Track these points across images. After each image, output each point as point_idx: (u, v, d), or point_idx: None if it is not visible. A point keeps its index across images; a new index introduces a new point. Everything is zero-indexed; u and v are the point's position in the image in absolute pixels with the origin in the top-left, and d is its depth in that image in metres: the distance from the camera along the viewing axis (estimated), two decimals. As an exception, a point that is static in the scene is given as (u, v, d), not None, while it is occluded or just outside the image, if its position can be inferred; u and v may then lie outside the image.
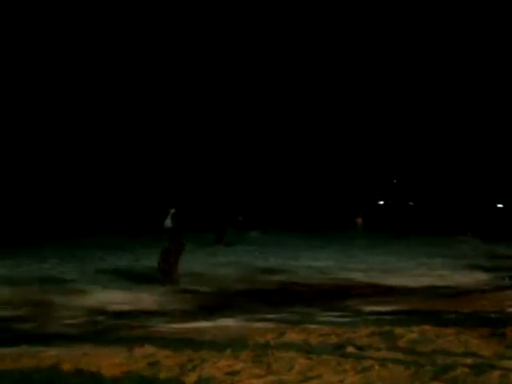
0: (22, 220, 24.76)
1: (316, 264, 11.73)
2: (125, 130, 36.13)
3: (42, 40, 34.10)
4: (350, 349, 4.36)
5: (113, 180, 35.21)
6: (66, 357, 4.20)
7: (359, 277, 9.72)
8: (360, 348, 4.37)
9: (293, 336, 4.87)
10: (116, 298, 7.37)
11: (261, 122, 40.45)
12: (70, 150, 34.84)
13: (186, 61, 36.96)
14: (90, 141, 35.29)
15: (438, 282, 9.13)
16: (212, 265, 11.46)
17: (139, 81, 36.00)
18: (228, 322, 5.89)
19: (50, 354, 4.33)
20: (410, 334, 4.57)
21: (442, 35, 37.59)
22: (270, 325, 5.71)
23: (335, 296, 7.84)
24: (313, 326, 5.44)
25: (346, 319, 5.91)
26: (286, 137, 41.58)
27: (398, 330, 4.66)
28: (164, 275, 8.36)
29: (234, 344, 4.61)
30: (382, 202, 51.07)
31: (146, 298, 7.38)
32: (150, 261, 9.60)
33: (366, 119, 42.59)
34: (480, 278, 10.01)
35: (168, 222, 8.39)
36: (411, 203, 47.33)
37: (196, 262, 11.85)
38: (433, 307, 6.29)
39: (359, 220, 29.24)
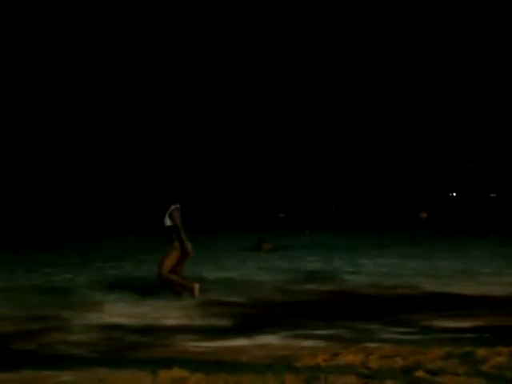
0: (18, 223, 25.79)
1: (371, 269, 11.69)
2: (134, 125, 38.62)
3: (42, 40, 37.00)
4: (420, 373, 4.31)
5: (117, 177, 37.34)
6: (79, 383, 4.29)
7: (427, 284, 9.59)
8: (433, 373, 4.31)
9: (349, 357, 4.85)
10: (134, 310, 7.49)
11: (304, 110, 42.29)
12: (71, 152, 37.43)
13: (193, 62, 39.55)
14: (93, 140, 37.92)
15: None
16: (247, 271, 11.58)
17: (145, 81, 38.72)
18: (269, 340, 5.91)
19: (59, 381, 4.43)
20: (496, 356, 4.49)
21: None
22: (320, 343, 5.70)
23: (399, 308, 7.75)
24: (373, 345, 5.41)
25: (414, 337, 5.85)
26: (331, 120, 42.82)
27: (481, 352, 4.58)
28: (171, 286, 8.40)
29: (277, 366, 4.62)
30: (454, 194, 50.13)
31: (169, 311, 7.48)
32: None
33: (434, 89, 42.57)
34: None
35: (167, 221, 8.40)
36: (493, 195, 46.21)
37: (229, 268, 12.01)
38: (524, 323, 6.17)
39: (423, 215, 28.91)
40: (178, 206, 8.46)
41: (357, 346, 5.40)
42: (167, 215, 8.40)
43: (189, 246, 8.38)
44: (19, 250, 16.61)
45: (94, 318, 7.09)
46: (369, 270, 11.71)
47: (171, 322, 6.91)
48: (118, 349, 5.62)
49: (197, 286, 8.34)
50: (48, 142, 37.18)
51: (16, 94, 36.41)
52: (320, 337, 5.98)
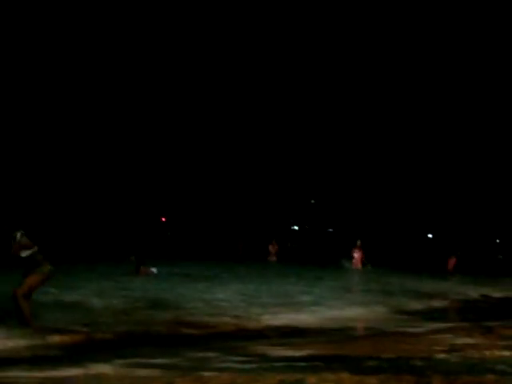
0: None
1: (215, 299, 11.76)
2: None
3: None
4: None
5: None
6: None
7: (266, 314, 9.84)
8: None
9: (184, 386, 4.81)
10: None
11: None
12: None
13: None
14: None
15: (353, 321, 9.51)
16: (101, 298, 11.18)
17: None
18: (103, 369, 5.68)
19: None
20: (324, 383, 4.67)
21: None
22: (155, 372, 5.59)
23: (236, 338, 7.86)
24: (209, 374, 5.40)
25: (250, 365, 5.92)
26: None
27: (312, 379, 4.74)
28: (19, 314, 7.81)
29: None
30: (296, 228, 52.19)
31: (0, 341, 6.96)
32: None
33: (278, 125, 44.16)
34: (399, 317, 10.54)
35: (23, 252, 7.84)
36: (331, 230, 48.75)
37: (84, 294, 11.46)
38: (351, 352, 6.49)
39: (273, 247, 29.65)
40: (22, 231, 7.92)
41: (193, 374, 5.35)
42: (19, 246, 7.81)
43: (47, 268, 7.87)
44: None
45: None
46: (211, 299, 11.77)
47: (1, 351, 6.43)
48: None
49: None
50: None
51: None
52: (156, 365, 5.87)
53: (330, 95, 43.47)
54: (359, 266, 23.75)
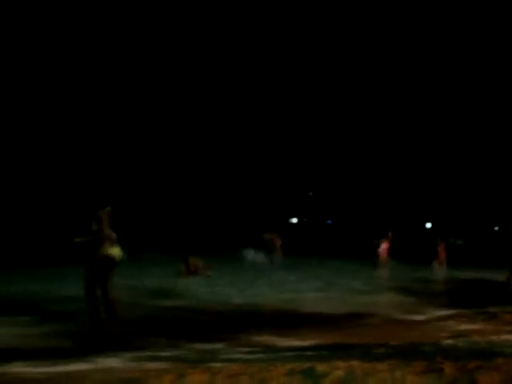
0: None
1: (219, 289, 11.73)
2: None
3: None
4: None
5: None
6: None
7: (270, 305, 9.81)
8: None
9: (195, 378, 4.75)
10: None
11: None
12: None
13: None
14: None
15: (360, 310, 9.48)
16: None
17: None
18: (112, 363, 5.63)
19: None
20: (335, 371, 4.62)
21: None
22: (165, 365, 5.53)
23: (243, 328, 7.82)
24: (218, 365, 5.35)
25: (259, 356, 5.89)
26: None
27: (322, 367, 4.70)
28: None
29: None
30: (295, 220, 52.16)
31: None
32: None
33: (273, 118, 44.09)
34: (405, 305, 10.51)
35: None
36: (330, 221, 48.65)
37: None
38: (359, 340, 6.46)
39: (278, 241, 29.29)
40: None
41: (202, 366, 5.31)
42: None
43: None
44: None
45: None
46: (215, 289, 11.74)
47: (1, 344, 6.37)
48: None
49: None
50: None
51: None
52: (165, 358, 5.82)
53: (327, 90, 43.57)
54: (386, 258, 22.48)
